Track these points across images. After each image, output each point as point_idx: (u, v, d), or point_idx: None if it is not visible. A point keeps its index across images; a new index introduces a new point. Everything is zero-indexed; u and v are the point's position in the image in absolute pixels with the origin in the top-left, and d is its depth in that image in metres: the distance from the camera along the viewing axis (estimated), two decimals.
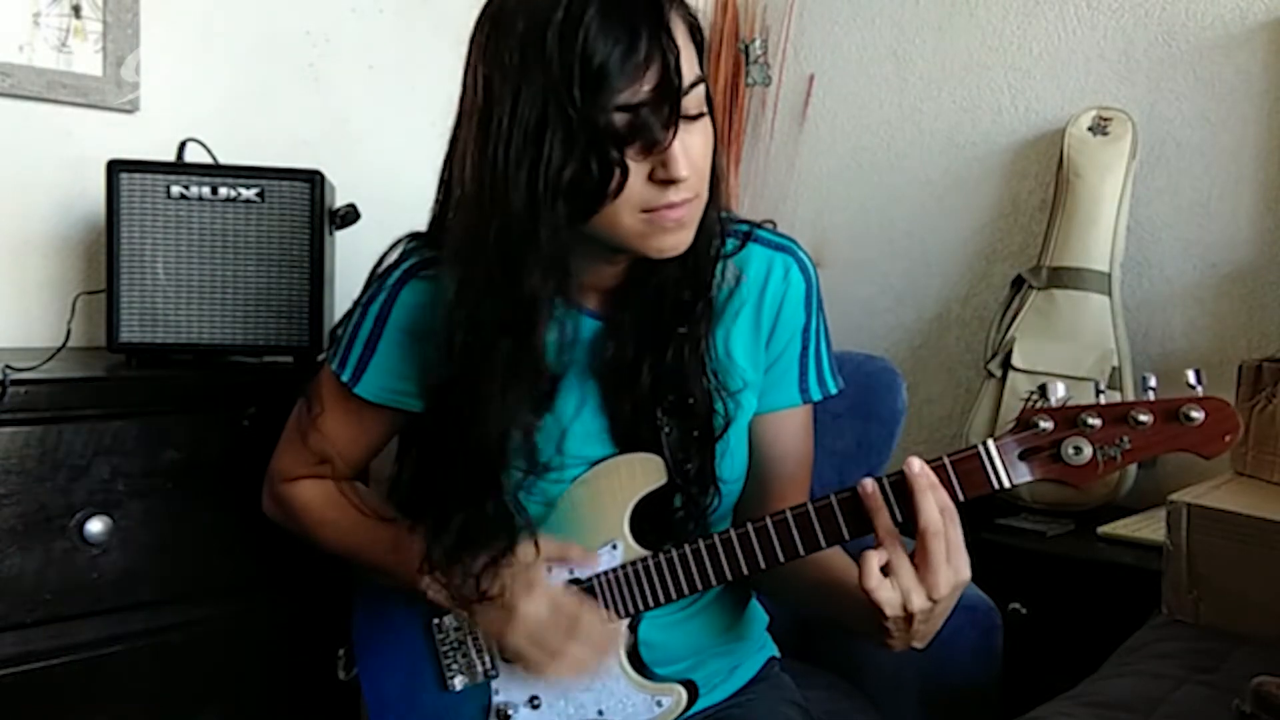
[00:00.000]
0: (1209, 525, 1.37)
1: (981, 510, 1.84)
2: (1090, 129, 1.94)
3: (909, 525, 0.89)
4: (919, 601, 0.86)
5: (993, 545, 1.78)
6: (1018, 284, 1.99)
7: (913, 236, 2.28)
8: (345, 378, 1.08)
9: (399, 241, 1.07)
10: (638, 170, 0.86)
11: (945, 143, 2.24)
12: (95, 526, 1.22)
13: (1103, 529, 1.74)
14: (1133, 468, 1.84)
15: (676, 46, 0.84)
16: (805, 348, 1.07)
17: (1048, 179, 2.07)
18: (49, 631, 1.22)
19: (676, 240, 0.91)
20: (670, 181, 0.86)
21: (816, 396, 1.09)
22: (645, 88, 0.83)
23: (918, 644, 0.93)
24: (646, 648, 1.05)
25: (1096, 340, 1.88)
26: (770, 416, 1.08)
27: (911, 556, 0.88)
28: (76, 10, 1.59)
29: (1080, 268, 1.91)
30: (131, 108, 1.65)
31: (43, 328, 1.57)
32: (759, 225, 1.07)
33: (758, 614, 1.23)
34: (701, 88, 0.88)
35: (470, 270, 0.91)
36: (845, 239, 2.38)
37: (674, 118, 0.84)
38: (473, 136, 0.88)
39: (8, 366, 1.17)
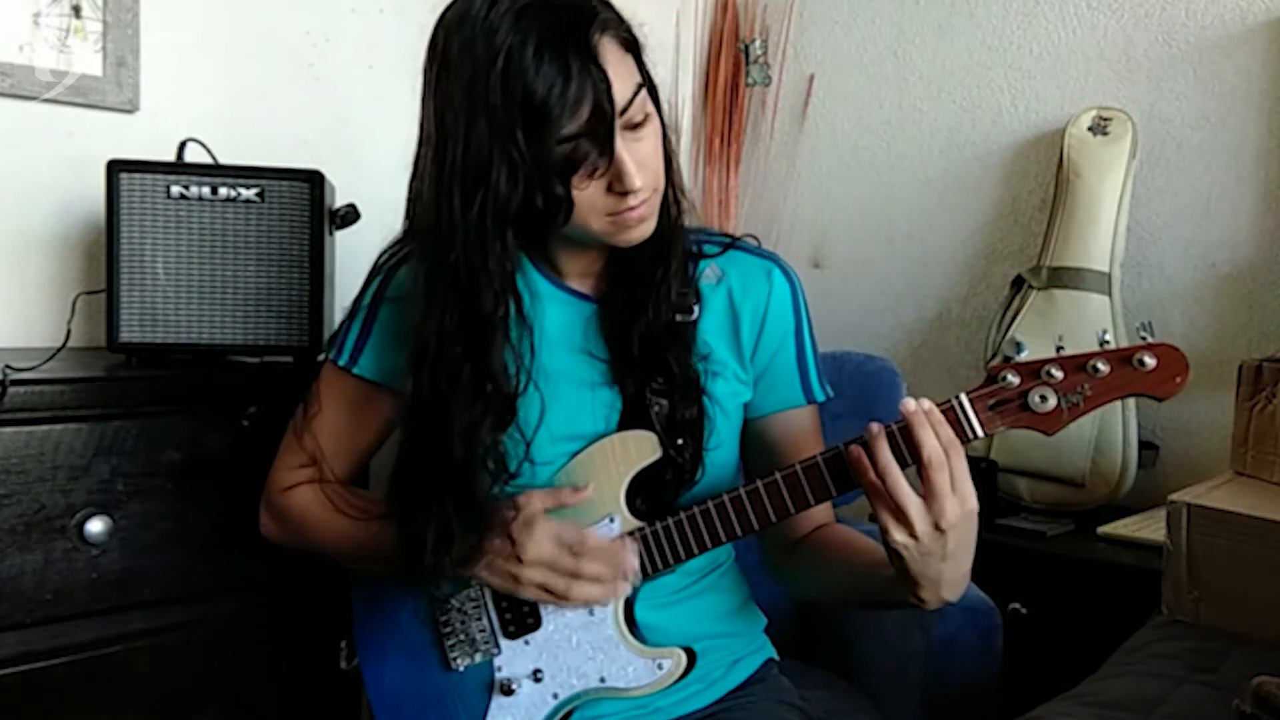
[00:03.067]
0: (1209, 525, 1.37)
1: (982, 510, 1.84)
2: (1090, 129, 1.94)
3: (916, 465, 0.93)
4: (923, 527, 0.90)
5: (993, 545, 1.77)
6: (1018, 284, 1.99)
7: (913, 236, 2.28)
8: (343, 361, 1.14)
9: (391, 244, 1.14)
10: (597, 185, 0.95)
11: (945, 143, 2.23)
12: (95, 526, 1.23)
13: (1103, 529, 1.74)
14: (1133, 468, 1.85)
15: (606, 74, 0.92)
16: (801, 349, 1.13)
17: (1048, 179, 2.07)
18: (49, 631, 1.22)
19: (643, 230, 1.01)
20: (627, 191, 0.95)
21: (820, 397, 1.14)
22: (582, 117, 0.91)
23: (948, 595, 0.96)
24: (642, 629, 1.07)
25: (1096, 341, 1.88)
26: (779, 416, 1.14)
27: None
28: (76, 10, 1.59)
29: (1080, 268, 1.91)
30: (131, 108, 1.65)
31: (43, 328, 1.57)
32: (741, 238, 1.16)
33: (755, 615, 1.24)
34: (643, 93, 0.96)
35: (431, 295, 0.99)
36: (845, 239, 2.38)
37: (610, 140, 0.93)
38: (429, 166, 0.97)
39: (8, 366, 1.17)
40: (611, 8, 0.98)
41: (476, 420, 1.00)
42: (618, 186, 0.95)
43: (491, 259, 0.96)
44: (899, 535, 0.91)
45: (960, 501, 0.91)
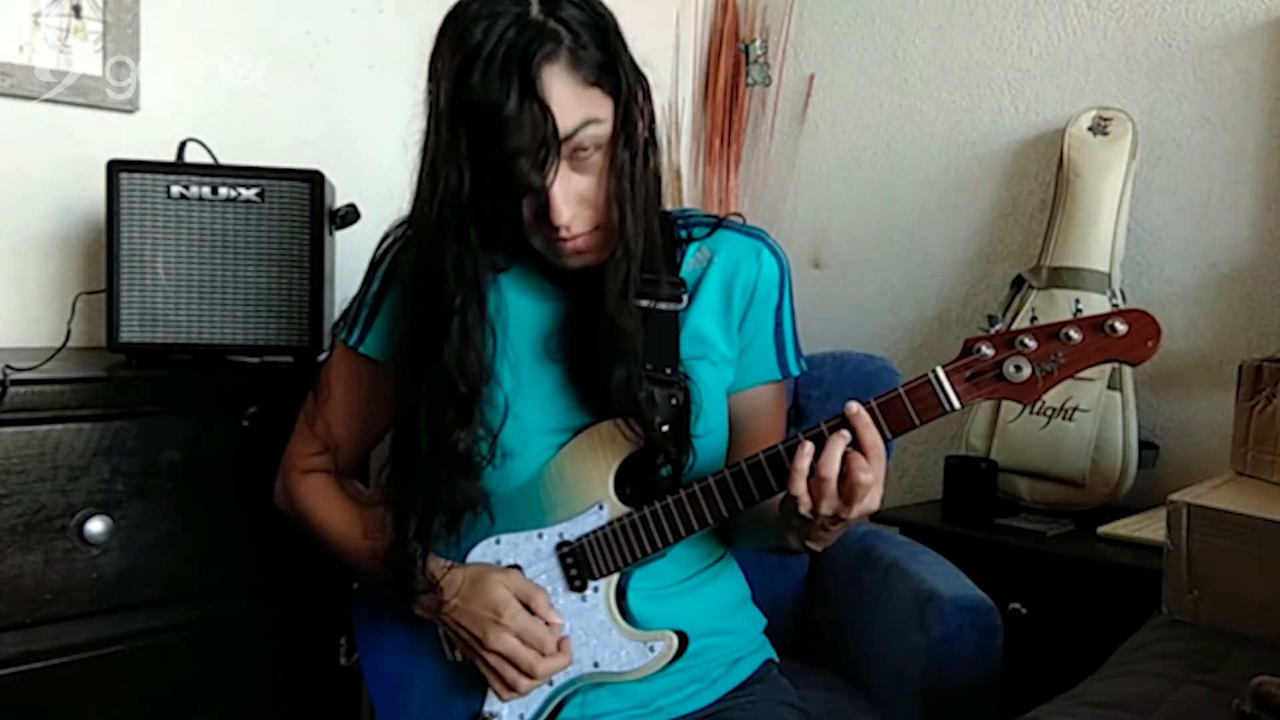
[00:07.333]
0: (1209, 525, 1.37)
1: (982, 510, 1.85)
2: (1090, 129, 1.94)
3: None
4: (828, 507, 0.95)
5: (993, 545, 1.78)
6: (1018, 284, 1.99)
7: (913, 236, 2.28)
8: (351, 341, 1.16)
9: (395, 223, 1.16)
10: (528, 206, 0.98)
11: (945, 143, 2.23)
12: (95, 526, 1.23)
13: (1103, 529, 1.74)
14: (1133, 468, 1.84)
15: (548, 105, 0.92)
16: (779, 325, 1.15)
17: (1048, 179, 2.07)
18: (49, 631, 1.22)
19: (580, 261, 1.02)
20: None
21: (794, 371, 1.17)
22: (517, 142, 0.92)
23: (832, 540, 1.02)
24: (638, 620, 1.08)
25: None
26: (749, 392, 1.16)
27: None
28: (76, 10, 1.59)
29: (1080, 268, 1.91)
30: (131, 108, 1.65)
31: (43, 328, 1.57)
32: (728, 216, 1.17)
33: (755, 614, 1.24)
34: (595, 128, 0.96)
35: (415, 282, 1.04)
36: (845, 239, 2.38)
37: (544, 167, 0.93)
38: (420, 144, 1.01)
39: (8, 366, 1.17)
40: (581, 38, 0.95)
41: (437, 413, 1.03)
42: (544, 215, 0.97)
43: (449, 255, 0.99)
44: (805, 510, 0.95)
45: (873, 500, 0.95)
